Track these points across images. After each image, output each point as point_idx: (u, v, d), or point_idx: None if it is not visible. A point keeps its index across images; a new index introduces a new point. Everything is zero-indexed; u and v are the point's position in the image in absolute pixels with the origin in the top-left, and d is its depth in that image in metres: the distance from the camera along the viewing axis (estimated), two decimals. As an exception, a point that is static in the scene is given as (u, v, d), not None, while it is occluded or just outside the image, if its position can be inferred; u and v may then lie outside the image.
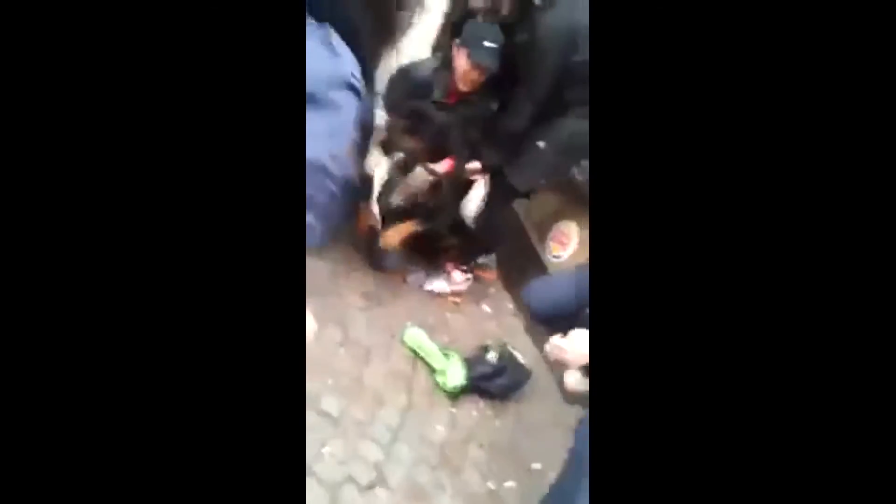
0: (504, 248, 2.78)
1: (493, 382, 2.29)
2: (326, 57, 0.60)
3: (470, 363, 2.32)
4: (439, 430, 2.12)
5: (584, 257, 2.45)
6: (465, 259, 2.71)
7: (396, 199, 2.40)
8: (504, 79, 2.44)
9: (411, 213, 2.47)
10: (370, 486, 1.82)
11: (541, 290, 1.96)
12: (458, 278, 2.70)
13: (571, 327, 1.75)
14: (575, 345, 1.52)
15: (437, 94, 2.41)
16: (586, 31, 2.16)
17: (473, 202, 2.60)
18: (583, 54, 2.19)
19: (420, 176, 2.39)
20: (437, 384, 2.27)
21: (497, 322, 2.71)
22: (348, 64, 0.62)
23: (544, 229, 2.77)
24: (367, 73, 0.64)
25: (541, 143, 2.41)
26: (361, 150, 0.66)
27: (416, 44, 2.56)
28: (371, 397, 2.09)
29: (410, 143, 2.37)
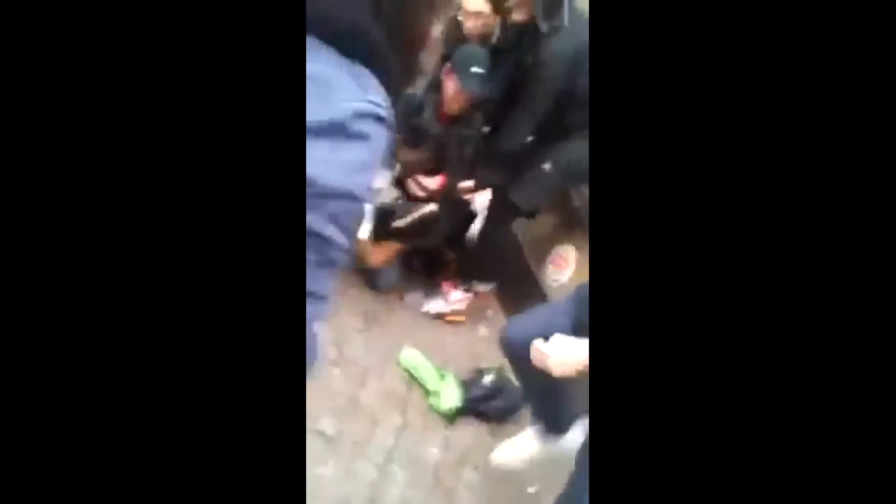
0: (503, 270, 2.79)
1: (489, 405, 2.29)
2: (355, 90, 0.63)
3: (465, 385, 2.32)
4: (433, 452, 2.11)
5: (583, 279, 2.47)
6: (464, 278, 2.71)
7: (398, 224, 2.42)
8: (505, 101, 2.49)
9: (400, 231, 2.49)
10: (365, 507, 1.82)
11: (518, 322, 1.93)
12: (456, 297, 2.69)
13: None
14: (557, 350, 1.49)
15: (426, 116, 2.45)
16: None
17: (476, 221, 2.62)
18: (586, 79, 2.23)
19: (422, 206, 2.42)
20: (431, 406, 2.26)
21: (494, 345, 2.70)
22: (376, 96, 0.65)
23: (541, 252, 2.78)
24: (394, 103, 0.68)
25: (546, 166, 2.43)
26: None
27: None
28: (367, 418, 2.09)
29: (409, 155, 2.40)
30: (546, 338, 1.56)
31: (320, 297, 0.69)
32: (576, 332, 1.56)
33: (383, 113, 0.64)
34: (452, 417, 2.25)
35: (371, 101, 0.64)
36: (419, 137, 2.48)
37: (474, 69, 2.39)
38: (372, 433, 2.05)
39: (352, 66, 0.64)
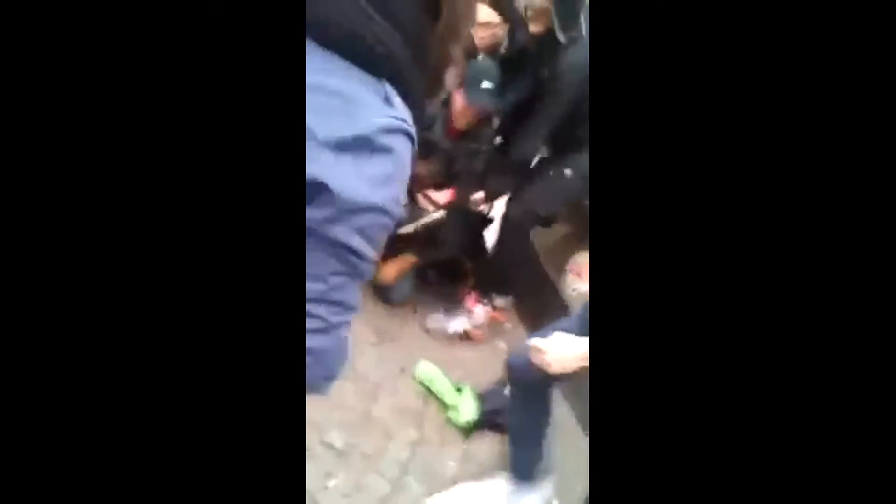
0: (521, 281, 2.74)
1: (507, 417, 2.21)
2: (381, 106, 0.66)
3: (483, 398, 2.25)
4: (451, 466, 2.04)
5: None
6: (482, 291, 2.66)
7: (403, 231, 2.40)
8: (519, 112, 2.49)
9: (411, 245, 2.46)
10: (375, 520, 1.75)
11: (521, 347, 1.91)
12: (480, 313, 2.63)
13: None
14: (556, 346, 1.45)
15: (437, 130, 2.46)
16: None
17: (493, 230, 2.59)
18: None
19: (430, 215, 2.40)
20: (449, 420, 2.19)
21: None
22: (401, 112, 0.67)
23: (558, 262, 2.73)
24: (416, 119, 0.71)
25: (568, 171, 2.43)
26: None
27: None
28: (379, 431, 2.03)
29: (419, 168, 2.39)
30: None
31: (349, 308, 0.72)
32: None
33: (408, 127, 0.67)
34: (469, 431, 2.18)
35: (396, 117, 0.66)
36: (429, 151, 2.48)
37: (483, 84, 2.39)
38: (385, 447, 1.99)
39: (377, 83, 0.66)
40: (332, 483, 1.78)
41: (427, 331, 2.57)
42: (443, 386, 2.28)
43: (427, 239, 2.48)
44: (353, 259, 0.68)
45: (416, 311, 2.62)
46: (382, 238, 0.70)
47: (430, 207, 2.48)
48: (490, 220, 2.64)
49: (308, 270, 0.68)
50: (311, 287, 0.68)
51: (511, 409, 1.92)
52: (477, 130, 2.50)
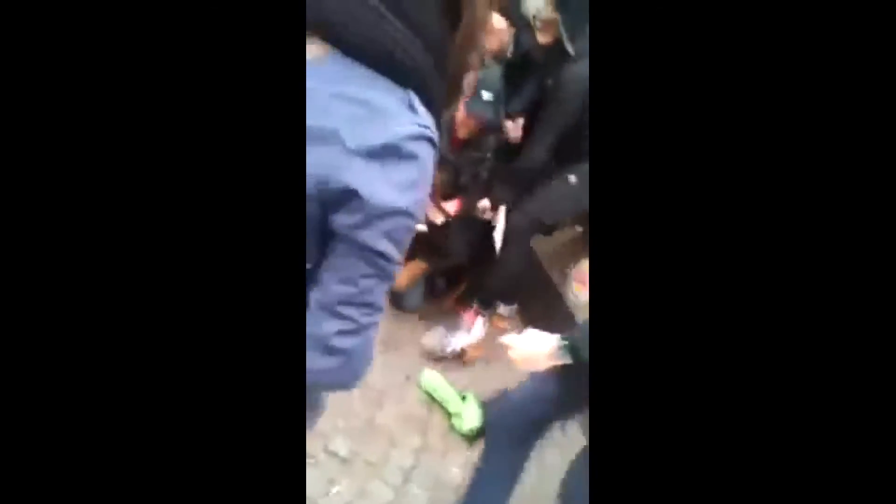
0: (525, 288, 2.75)
1: (512, 424, 2.22)
2: (406, 114, 0.68)
3: (486, 406, 2.26)
4: (455, 473, 2.05)
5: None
6: (486, 299, 2.66)
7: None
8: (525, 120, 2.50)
9: (421, 252, 2.48)
10: (378, 526, 1.77)
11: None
12: (480, 326, 2.60)
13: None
14: (526, 343, 1.41)
15: (441, 141, 2.48)
16: None
17: (499, 234, 2.60)
18: None
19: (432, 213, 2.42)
20: (452, 427, 2.21)
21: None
22: (425, 119, 0.70)
23: (561, 270, 2.74)
24: (438, 126, 0.73)
25: (572, 178, 2.43)
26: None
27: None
28: (383, 439, 2.05)
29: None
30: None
31: (378, 309, 0.75)
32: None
33: (431, 134, 0.70)
34: (473, 439, 2.19)
35: (420, 124, 0.69)
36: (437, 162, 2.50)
37: (483, 95, 2.42)
38: (389, 454, 2.01)
39: (403, 91, 0.69)
40: (335, 490, 1.80)
41: (423, 347, 2.52)
42: (447, 394, 2.29)
43: (436, 246, 2.50)
44: (382, 262, 0.71)
45: (421, 319, 2.64)
46: (408, 241, 0.73)
47: (440, 217, 2.50)
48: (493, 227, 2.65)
49: (338, 274, 0.72)
50: (342, 290, 0.72)
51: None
52: (478, 139, 2.52)
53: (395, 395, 2.24)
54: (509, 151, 2.61)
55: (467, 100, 2.40)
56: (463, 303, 2.67)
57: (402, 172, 0.68)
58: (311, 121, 0.65)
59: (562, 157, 2.47)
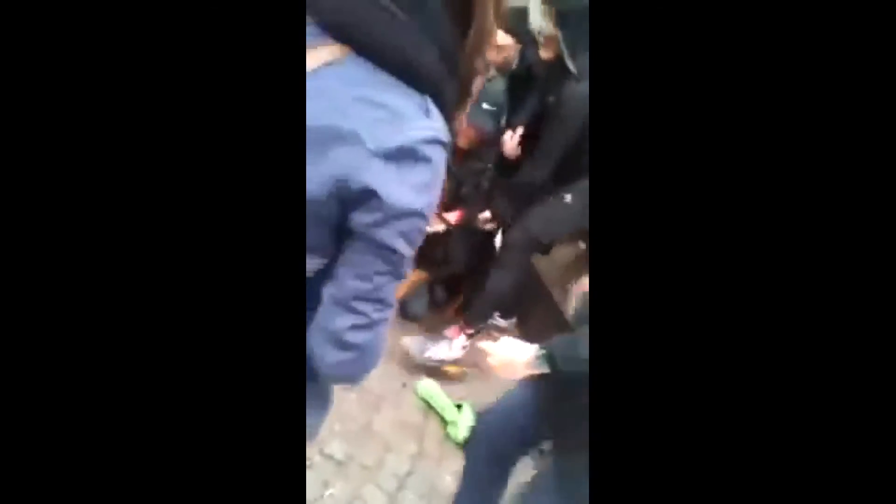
0: (525, 302, 2.75)
1: (508, 434, 2.22)
2: (422, 118, 0.70)
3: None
4: (449, 481, 2.05)
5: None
6: (481, 314, 2.66)
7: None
8: (526, 136, 2.52)
9: (421, 261, 2.49)
10: (371, 531, 1.77)
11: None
12: (460, 344, 2.55)
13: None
14: (503, 350, 1.39)
15: None
16: None
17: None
18: None
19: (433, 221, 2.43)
20: (448, 435, 2.22)
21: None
22: (439, 123, 0.72)
23: (563, 285, 2.75)
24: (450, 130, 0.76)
25: (568, 197, 2.43)
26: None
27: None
28: (379, 444, 2.05)
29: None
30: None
31: (389, 305, 0.78)
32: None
33: (443, 138, 0.72)
34: (469, 447, 2.19)
35: (434, 128, 0.71)
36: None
37: (484, 105, 2.45)
38: (384, 460, 2.01)
39: (419, 97, 0.71)
40: (328, 492, 1.81)
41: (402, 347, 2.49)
42: (443, 402, 2.30)
43: (435, 256, 2.51)
44: (395, 260, 0.74)
45: (424, 328, 2.65)
46: (419, 241, 0.76)
47: (442, 226, 2.52)
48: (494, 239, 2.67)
49: (354, 270, 0.74)
50: (358, 286, 0.74)
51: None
52: (479, 150, 2.54)
53: (393, 401, 2.24)
54: (509, 166, 2.62)
55: (469, 110, 2.43)
56: (463, 313, 2.67)
57: (417, 175, 0.70)
58: (331, 121, 0.67)
59: (561, 175, 2.47)
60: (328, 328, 0.77)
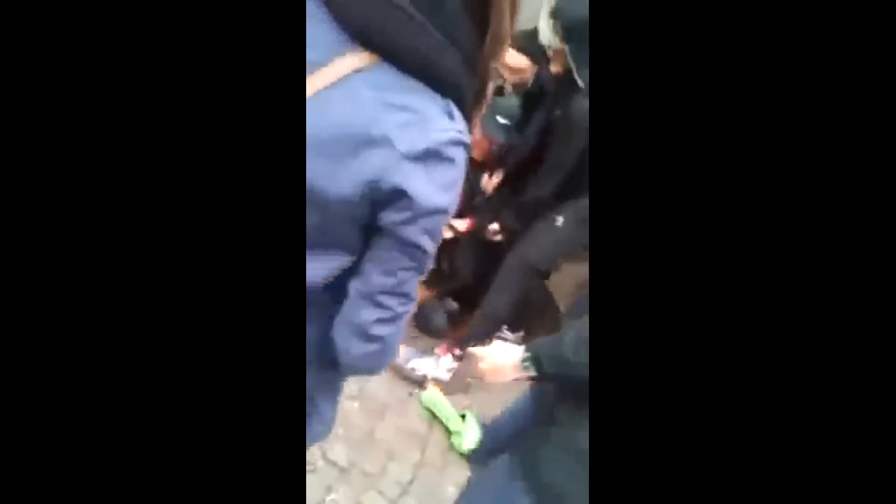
0: (531, 316, 2.75)
1: (512, 445, 2.22)
2: (446, 121, 0.73)
3: (486, 427, 2.26)
4: (451, 491, 2.05)
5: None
6: (481, 330, 2.60)
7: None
8: (533, 151, 2.54)
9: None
10: (371, 536, 1.77)
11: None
12: (446, 364, 2.52)
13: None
14: (493, 354, 1.37)
15: None
16: None
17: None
18: None
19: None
20: (451, 446, 2.21)
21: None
22: (460, 125, 0.75)
23: (569, 296, 2.75)
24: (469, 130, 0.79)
25: (559, 219, 2.42)
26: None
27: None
28: (382, 451, 2.06)
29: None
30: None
31: (412, 300, 0.82)
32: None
33: (465, 139, 0.75)
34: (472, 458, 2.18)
35: (457, 130, 0.74)
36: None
37: (498, 118, 2.47)
38: (387, 467, 2.01)
39: (443, 100, 0.74)
40: (330, 497, 1.81)
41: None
42: (447, 412, 2.30)
43: (443, 266, 2.52)
44: (420, 255, 0.77)
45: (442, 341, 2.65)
46: (440, 237, 0.79)
47: (450, 234, 2.53)
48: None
49: (381, 266, 0.78)
50: (384, 281, 0.78)
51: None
52: (491, 163, 2.56)
53: (397, 409, 2.25)
54: (516, 186, 2.62)
55: (482, 122, 2.46)
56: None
57: (442, 174, 0.73)
58: (362, 126, 0.70)
59: (565, 192, 2.45)
60: (353, 321, 0.81)
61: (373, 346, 0.82)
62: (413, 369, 2.43)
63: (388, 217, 0.74)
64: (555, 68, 2.40)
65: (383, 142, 0.70)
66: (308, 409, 0.95)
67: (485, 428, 2.23)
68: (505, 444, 1.58)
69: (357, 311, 0.80)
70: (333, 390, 1.01)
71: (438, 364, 2.48)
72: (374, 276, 0.78)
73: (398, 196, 0.72)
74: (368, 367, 0.88)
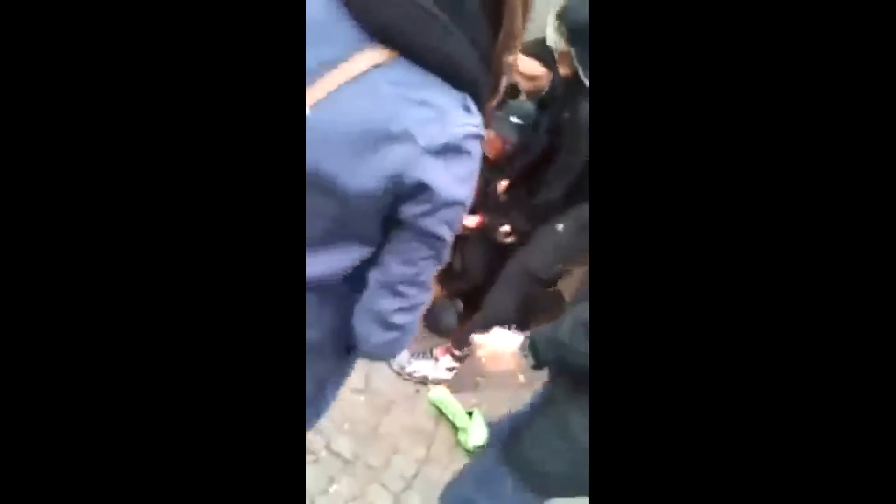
0: (539, 311, 2.72)
1: (518, 443, 2.20)
2: (463, 115, 0.76)
3: (492, 426, 2.25)
4: (456, 486, 2.03)
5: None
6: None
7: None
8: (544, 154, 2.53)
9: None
10: (373, 528, 1.76)
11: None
12: (445, 364, 2.50)
13: None
14: (492, 341, 1.34)
15: None
16: None
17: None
18: None
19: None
20: (458, 442, 2.20)
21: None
22: (476, 119, 0.77)
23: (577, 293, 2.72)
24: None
25: (559, 226, 2.39)
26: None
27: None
28: (387, 446, 2.05)
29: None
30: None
31: (429, 288, 0.85)
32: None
33: (481, 132, 0.78)
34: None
35: (473, 124, 0.77)
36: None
37: (512, 118, 2.48)
38: (391, 461, 2.01)
39: (460, 95, 0.77)
40: (333, 488, 1.81)
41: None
42: (454, 409, 2.29)
43: (453, 265, 2.52)
44: (439, 246, 0.80)
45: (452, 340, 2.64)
46: (458, 227, 0.82)
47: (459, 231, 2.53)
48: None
49: (401, 256, 0.81)
50: (404, 271, 0.81)
51: None
52: (503, 163, 2.57)
53: (404, 405, 2.24)
54: (528, 189, 2.61)
55: (496, 123, 2.46)
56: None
57: (459, 167, 0.76)
58: (383, 122, 0.72)
59: (572, 195, 2.43)
60: (374, 310, 0.84)
61: (392, 334, 0.85)
62: (412, 372, 2.42)
63: (409, 210, 0.76)
64: (563, 71, 2.41)
65: (404, 137, 0.72)
66: (314, 392, 0.97)
67: (491, 426, 2.22)
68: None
69: (377, 300, 0.83)
70: (342, 376, 1.03)
71: (437, 365, 2.46)
72: (393, 267, 0.81)
73: (420, 190, 0.74)
74: (386, 354, 0.91)
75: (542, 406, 1.28)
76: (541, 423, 1.24)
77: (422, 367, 2.44)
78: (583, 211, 2.34)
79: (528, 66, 2.53)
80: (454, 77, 0.75)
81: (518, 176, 2.60)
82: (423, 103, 0.73)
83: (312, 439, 1.88)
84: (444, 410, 2.30)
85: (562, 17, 2.15)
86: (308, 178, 0.74)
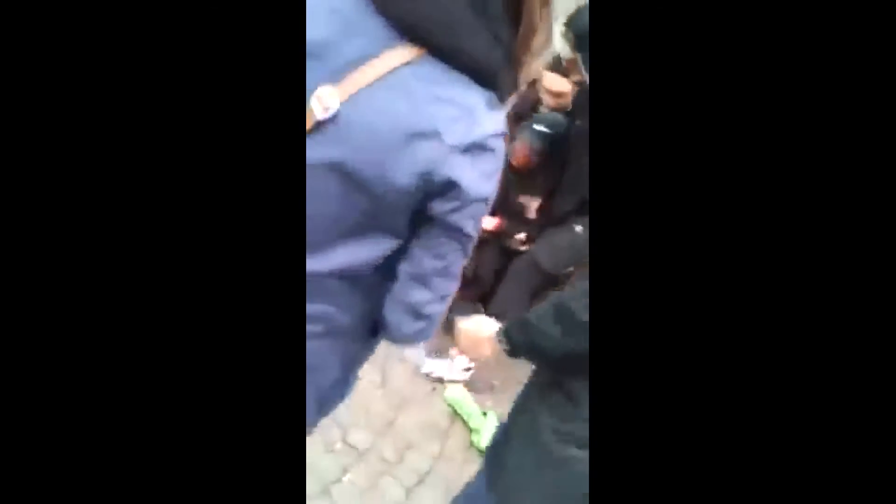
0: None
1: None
2: (488, 113, 0.78)
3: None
4: (469, 484, 2.05)
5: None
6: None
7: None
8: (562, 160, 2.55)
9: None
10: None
11: None
12: (461, 365, 2.51)
13: None
14: (473, 327, 1.32)
15: None
16: None
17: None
18: None
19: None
20: (472, 443, 2.22)
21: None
22: (501, 117, 0.81)
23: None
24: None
25: (579, 228, 2.41)
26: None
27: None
28: (402, 441, 2.08)
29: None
30: None
31: (457, 280, 0.89)
32: None
33: (504, 130, 0.82)
34: (492, 454, 2.18)
35: (498, 122, 0.80)
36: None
37: (535, 126, 2.50)
38: (405, 456, 2.03)
39: (485, 93, 0.80)
40: (347, 477, 1.84)
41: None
42: (470, 409, 2.31)
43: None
44: (465, 240, 0.84)
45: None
46: (482, 222, 0.86)
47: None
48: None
49: (432, 251, 0.84)
50: (435, 264, 0.85)
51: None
52: (528, 171, 2.58)
53: (420, 402, 2.27)
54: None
55: (521, 132, 2.48)
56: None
57: (485, 164, 0.79)
58: (413, 120, 0.75)
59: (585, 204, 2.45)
60: (405, 301, 0.87)
61: (422, 324, 0.89)
62: (429, 373, 2.44)
63: (439, 207, 0.79)
64: (575, 76, 2.42)
65: (433, 135, 0.75)
66: (343, 375, 1.00)
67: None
68: None
69: (409, 292, 0.86)
70: (364, 360, 1.06)
71: (453, 366, 2.48)
72: (424, 261, 0.84)
73: (449, 187, 0.77)
74: (416, 341, 0.94)
75: (514, 415, 1.27)
76: (517, 438, 1.22)
77: (437, 367, 2.46)
78: None
79: (555, 82, 2.56)
80: (480, 75, 0.77)
81: (548, 194, 2.62)
82: (451, 102, 0.75)
83: (329, 431, 1.91)
84: (459, 410, 2.32)
85: (569, 23, 2.17)
86: (336, 170, 0.77)
